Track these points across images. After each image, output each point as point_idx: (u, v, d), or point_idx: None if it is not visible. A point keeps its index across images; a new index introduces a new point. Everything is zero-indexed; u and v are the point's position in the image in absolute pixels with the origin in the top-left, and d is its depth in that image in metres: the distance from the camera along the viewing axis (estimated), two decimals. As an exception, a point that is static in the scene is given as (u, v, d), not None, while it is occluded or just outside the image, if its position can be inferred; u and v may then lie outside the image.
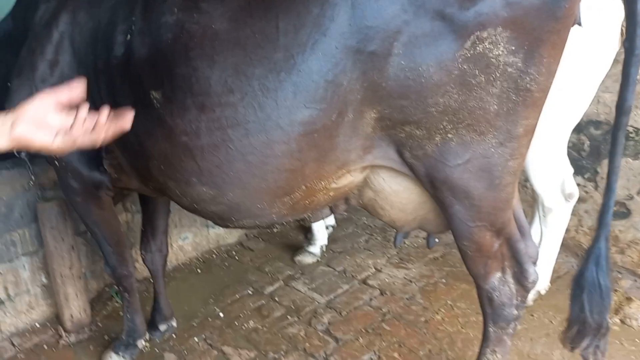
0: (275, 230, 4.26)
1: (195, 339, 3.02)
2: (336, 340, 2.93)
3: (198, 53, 1.69)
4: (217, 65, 1.68)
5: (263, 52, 1.64)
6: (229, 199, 1.87)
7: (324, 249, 3.84)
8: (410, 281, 3.46)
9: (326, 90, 1.65)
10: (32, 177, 2.85)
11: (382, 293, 3.35)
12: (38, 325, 3.17)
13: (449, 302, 3.20)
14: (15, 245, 3.01)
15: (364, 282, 3.50)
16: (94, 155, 2.31)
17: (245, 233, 4.22)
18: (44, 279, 3.16)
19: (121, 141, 2.04)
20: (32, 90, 2.22)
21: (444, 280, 3.44)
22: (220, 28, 1.68)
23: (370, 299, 3.30)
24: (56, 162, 2.35)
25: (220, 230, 4.06)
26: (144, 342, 2.90)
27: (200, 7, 1.71)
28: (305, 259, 3.78)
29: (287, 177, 1.79)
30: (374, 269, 3.64)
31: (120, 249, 2.62)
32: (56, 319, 3.19)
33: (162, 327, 3.00)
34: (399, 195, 1.99)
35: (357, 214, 4.39)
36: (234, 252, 4.00)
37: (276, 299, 3.38)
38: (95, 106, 1.45)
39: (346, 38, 1.60)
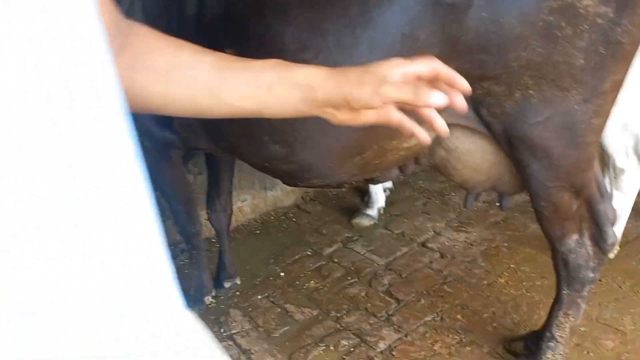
0: (331, 193, 4.28)
1: (259, 296, 3.10)
2: (397, 301, 2.94)
3: (272, 10, 1.68)
4: (291, 22, 1.66)
5: (338, 6, 1.61)
6: (300, 158, 1.88)
7: (382, 211, 3.83)
8: (471, 245, 3.42)
9: (403, 45, 1.61)
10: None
11: (442, 256, 3.33)
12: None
13: (512, 265, 3.15)
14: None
15: (423, 245, 3.48)
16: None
17: (302, 196, 4.25)
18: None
19: None
20: None
21: (506, 244, 3.38)
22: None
23: (431, 262, 3.29)
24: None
25: (277, 192, 4.11)
26: (210, 298, 3.00)
27: None
28: (363, 222, 3.78)
29: (360, 136, 1.78)
30: (432, 232, 3.61)
31: (188, 208, 2.69)
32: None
33: (227, 284, 3.09)
34: (472, 154, 1.94)
35: (414, 177, 4.34)
36: (291, 215, 4.04)
37: (335, 260, 3.41)
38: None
39: None
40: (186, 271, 3.17)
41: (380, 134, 1.78)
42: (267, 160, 1.98)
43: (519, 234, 3.45)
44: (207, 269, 2.95)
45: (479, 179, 2.03)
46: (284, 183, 2.23)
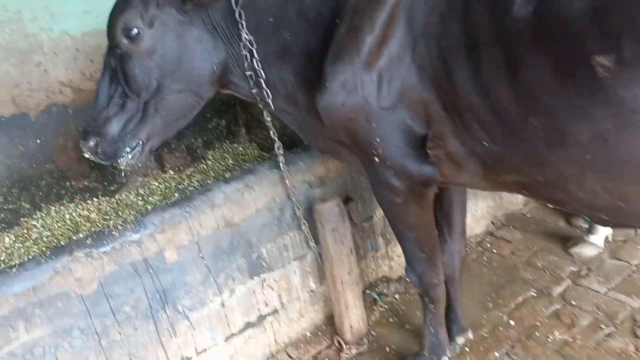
0: (526, 216, 3.70)
1: (496, 353, 2.58)
2: (687, 358, 2.33)
3: None
4: None
5: None
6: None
7: (610, 238, 3.21)
8: None
9: None
10: (288, 175, 2.57)
11: None
12: (309, 335, 2.91)
13: None
14: (287, 250, 2.75)
15: (680, 280, 2.83)
16: (419, 146, 1.90)
17: (492, 221, 3.70)
18: (312, 284, 2.89)
19: (479, 124, 1.62)
20: (355, 77, 1.85)
21: None
22: None
23: (703, 303, 2.64)
24: (375, 158, 1.97)
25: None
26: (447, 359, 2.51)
27: None
28: (586, 251, 3.18)
29: None
30: (683, 263, 2.95)
31: (433, 254, 2.23)
32: (326, 327, 2.93)
33: (460, 339, 2.59)
34: None
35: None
36: (488, 244, 3.50)
37: (572, 302, 2.83)
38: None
39: None
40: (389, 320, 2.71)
41: None
42: (623, 199, 1.47)
43: None
44: (443, 324, 2.47)
45: None
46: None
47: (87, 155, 2.20)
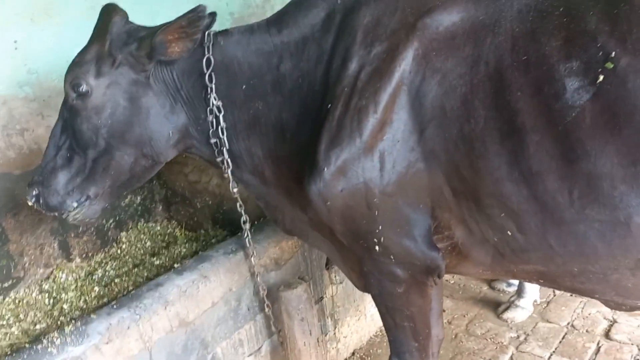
0: (450, 282, 3.76)
1: None
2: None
3: None
4: None
5: None
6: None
7: (537, 302, 3.35)
8: (663, 330, 3.01)
9: None
10: (254, 259, 2.33)
11: (642, 349, 2.89)
12: None
13: None
14: (243, 345, 2.42)
15: (608, 336, 3.03)
16: (425, 233, 1.80)
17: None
18: (268, 381, 2.57)
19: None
20: (355, 161, 1.71)
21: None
22: None
23: (636, 358, 2.83)
24: (375, 247, 1.82)
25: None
26: None
27: None
28: (518, 316, 3.28)
29: None
30: (605, 319, 3.17)
31: (427, 343, 2.09)
32: None
33: None
34: None
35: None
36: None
37: (523, 370, 2.87)
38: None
39: None
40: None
41: None
42: None
43: None
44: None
45: None
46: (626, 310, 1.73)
47: (30, 204, 2.02)
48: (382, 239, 1.79)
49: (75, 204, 1.96)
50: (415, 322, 2.00)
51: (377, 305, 2.08)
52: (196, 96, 1.97)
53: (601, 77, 1.37)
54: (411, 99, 1.66)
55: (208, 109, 1.95)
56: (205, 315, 2.23)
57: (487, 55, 1.55)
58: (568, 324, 3.19)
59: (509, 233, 1.61)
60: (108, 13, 1.95)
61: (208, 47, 1.93)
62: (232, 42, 1.97)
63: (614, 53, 1.36)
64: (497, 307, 3.40)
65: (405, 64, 1.65)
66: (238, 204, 2.22)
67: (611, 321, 3.14)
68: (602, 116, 1.38)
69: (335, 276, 2.92)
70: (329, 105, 1.77)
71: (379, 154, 1.69)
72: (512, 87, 1.49)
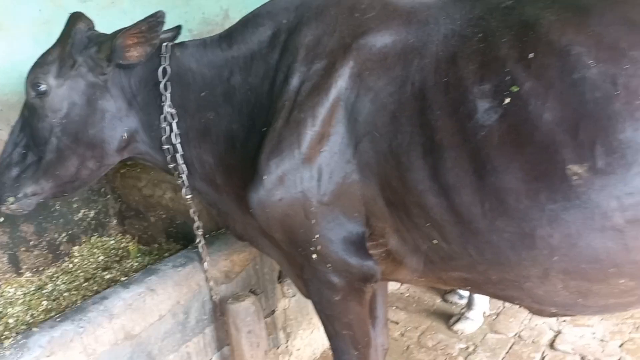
0: (403, 296, 3.83)
1: None
2: None
3: None
4: None
5: None
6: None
7: (487, 313, 3.45)
8: (603, 340, 3.12)
9: None
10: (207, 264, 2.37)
11: (584, 359, 2.99)
12: None
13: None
14: (191, 358, 2.43)
15: (552, 346, 3.13)
16: (361, 242, 1.87)
17: (375, 303, 3.75)
18: (217, 395, 2.58)
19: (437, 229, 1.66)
20: (294, 172, 1.78)
21: (638, 335, 3.13)
22: None
23: (579, 368, 2.94)
24: (313, 255, 1.88)
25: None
26: None
27: (631, 56, 1.36)
28: (468, 327, 3.36)
29: None
30: (550, 330, 3.28)
31: (366, 351, 2.14)
32: None
33: None
34: None
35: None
36: (378, 328, 3.51)
37: (470, 380, 2.94)
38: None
39: None
40: None
41: None
42: (584, 295, 1.58)
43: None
44: None
45: None
46: (556, 315, 1.82)
47: None
48: (318, 247, 1.85)
49: (12, 199, 2.04)
50: (354, 330, 2.06)
51: (317, 313, 2.14)
52: (151, 103, 2.06)
53: (507, 100, 1.47)
54: (347, 114, 1.74)
55: (162, 116, 2.03)
56: (152, 328, 2.24)
57: (413, 76, 1.64)
58: (515, 334, 3.28)
59: (435, 242, 1.69)
60: (73, 20, 2.05)
61: (165, 58, 2.03)
62: (187, 54, 2.07)
63: (519, 77, 1.46)
64: (449, 319, 3.47)
65: (341, 81, 1.73)
66: (192, 210, 2.27)
67: (556, 332, 3.25)
68: (508, 135, 1.47)
69: (288, 289, 2.96)
70: (272, 118, 1.84)
71: (317, 165, 1.76)
72: (434, 106, 1.58)
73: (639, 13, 1.40)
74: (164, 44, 2.06)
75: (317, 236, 1.85)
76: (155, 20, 1.91)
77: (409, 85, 1.65)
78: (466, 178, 1.54)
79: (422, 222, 1.70)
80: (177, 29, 2.22)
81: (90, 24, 2.09)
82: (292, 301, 2.98)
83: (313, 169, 1.77)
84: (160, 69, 2.01)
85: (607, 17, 1.42)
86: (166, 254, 2.84)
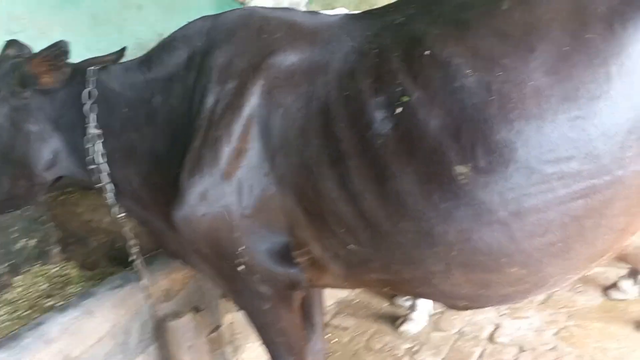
0: (353, 302, 3.93)
1: None
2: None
3: (521, 114, 1.48)
4: (548, 124, 1.47)
5: (599, 102, 1.46)
6: (542, 275, 1.63)
7: (431, 312, 3.57)
8: (539, 330, 3.28)
9: None
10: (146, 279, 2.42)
11: (521, 349, 3.14)
12: None
13: (596, 345, 3.05)
14: (134, 379, 2.47)
15: (492, 340, 3.27)
16: (285, 251, 1.96)
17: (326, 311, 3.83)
18: (163, 413, 2.61)
19: (350, 234, 1.76)
20: (215, 187, 1.86)
21: (571, 323, 3.30)
22: (540, 83, 1.48)
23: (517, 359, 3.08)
24: (240, 267, 1.96)
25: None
26: None
27: (503, 64, 1.51)
28: (412, 328, 3.48)
29: (615, 238, 1.59)
30: (490, 324, 3.42)
31: (302, 357, 2.22)
32: None
33: None
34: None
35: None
36: (328, 334, 3.60)
37: (415, 378, 3.05)
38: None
39: None
40: None
41: (630, 231, 1.62)
42: (484, 286, 1.70)
43: (575, 309, 3.41)
44: None
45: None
46: (464, 309, 1.94)
47: None
48: (245, 259, 1.93)
49: None
50: (287, 336, 2.14)
51: (251, 323, 2.21)
52: (77, 125, 2.12)
53: (399, 109, 1.60)
54: (262, 130, 1.84)
55: (87, 137, 2.09)
56: (92, 350, 2.26)
57: (319, 92, 1.76)
58: (458, 331, 3.41)
59: (351, 247, 1.79)
60: (5, 47, 2.17)
61: (89, 81, 2.11)
62: (111, 77, 2.15)
63: (409, 88, 1.59)
64: (395, 321, 3.59)
65: (253, 99, 1.84)
66: (125, 229, 2.31)
67: (496, 325, 3.39)
68: (401, 142, 1.60)
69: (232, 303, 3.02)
70: (191, 137, 1.93)
71: (237, 180, 1.85)
72: (337, 119, 1.70)
73: (509, 25, 1.54)
74: (89, 68, 2.14)
75: (242, 248, 1.93)
76: (57, 49, 2.01)
77: (314, 100, 1.76)
78: (370, 184, 1.66)
79: (337, 228, 1.80)
80: (121, 52, 2.32)
81: (23, 50, 2.19)
82: (238, 315, 3.04)
83: (233, 184, 1.86)
84: (85, 92, 2.09)
85: (482, 30, 1.56)
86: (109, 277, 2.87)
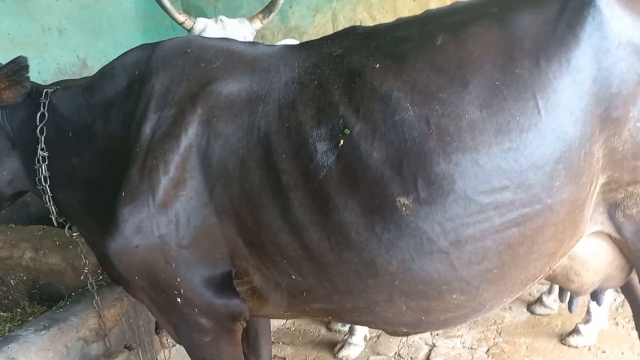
0: (290, 330, 3.89)
1: None
2: None
3: (458, 146, 1.54)
4: (483, 156, 1.54)
5: (529, 134, 1.56)
6: (480, 300, 1.69)
7: (367, 337, 3.60)
8: (471, 348, 3.40)
9: (585, 162, 1.62)
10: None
11: (457, 368, 3.23)
12: None
13: (526, 358, 3.20)
14: None
15: (428, 360, 3.35)
16: (225, 282, 1.93)
17: (262, 341, 3.77)
18: None
19: (293, 265, 1.76)
20: (150, 218, 1.81)
21: (501, 340, 3.44)
22: (474, 117, 1.55)
23: (451, 377, 3.16)
24: (178, 299, 1.90)
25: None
26: None
27: (440, 98, 1.57)
28: (351, 353, 3.49)
29: (545, 262, 1.69)
30: (426, 345, 3.50)
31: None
32: None
33: None
34: (597, 257, 1.98)
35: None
36: (265, 366, 3.53)
37: (356, 405, 3.05)
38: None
39: (596, 108, 1.60)
40: None
41: (560, 254, 1.73)
42: (425, 312, 1.74)
43: (504, 326, 3.55)
44: None
45: (595, 279, 2.06)
46: (403, 334, 1.97)
47: None
48: (182, 290, 1.87)
49: None
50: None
51: (190, 357, 2.13)
52: (30, 146, 2.06)
53: (342, 142, 1.62)
54: (200, 160, 1.80)
55: (36, 158, 2.03)
56: (16, 399, 2.10)
57: (259, 122, 1.75)
58: (395, 353, 3.46)
59: (293, 277, 1.79)
60: None
61: (44, 103, 2.06)
62: (60, 101, 2.10)
63: (350, 121, 1.62)
64: (334, 347, 3.58)
65: (191, 127, 1.80)
66: (79, 248, 2.30)
67: (431, 345, 3.47)
68: (344, 174, 1.62)
69: (167, 340, 2.91)
70: (128, 165, 1.86)
71: (174, 210, 1.80)
72: (278, 150, 1.70)
73: (444, 60, 1.61)
74: (45, 90, 2.09)
75: (179, 280, 1.87)
76: (17, 65, 1.96)
77: (255, 130, 1.75)
78: (313, 216, 1.66)
79: (279, 259, 1.79)
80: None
81: None
82: (172, 351, 2.93)
83: (170, 214, 1.81)
84: (39, 114, 2.04)
85: (419, 64, 1.63)
86: (30, 319, 2.68)
